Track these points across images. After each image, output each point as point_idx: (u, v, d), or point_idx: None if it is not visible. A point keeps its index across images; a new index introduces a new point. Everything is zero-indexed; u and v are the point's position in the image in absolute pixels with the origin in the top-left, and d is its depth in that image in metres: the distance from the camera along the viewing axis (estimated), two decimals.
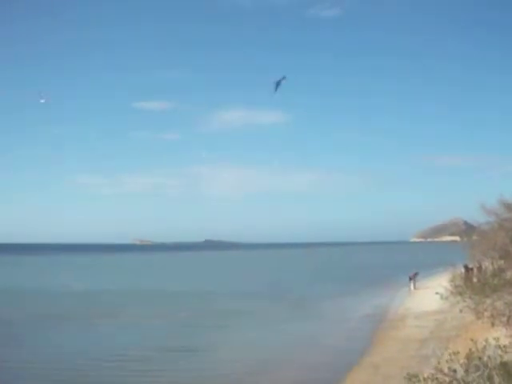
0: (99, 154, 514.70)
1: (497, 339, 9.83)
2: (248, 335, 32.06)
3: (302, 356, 25.88)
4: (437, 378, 9.08)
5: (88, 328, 35.03)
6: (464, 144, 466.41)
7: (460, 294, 21.54)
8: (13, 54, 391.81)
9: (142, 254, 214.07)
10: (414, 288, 51.79)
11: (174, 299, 48.88)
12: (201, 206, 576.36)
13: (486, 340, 9.83)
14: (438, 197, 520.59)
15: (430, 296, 31.45)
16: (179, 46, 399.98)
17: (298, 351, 27.02)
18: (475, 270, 32.60)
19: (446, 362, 9.23)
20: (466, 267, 34.99)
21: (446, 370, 9.06)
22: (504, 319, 19.73)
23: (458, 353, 9.27)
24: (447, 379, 8.95)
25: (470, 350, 9.27)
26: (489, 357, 9.07)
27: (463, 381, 8.80)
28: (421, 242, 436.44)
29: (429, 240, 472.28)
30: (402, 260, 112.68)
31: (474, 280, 23.25)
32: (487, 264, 30.06)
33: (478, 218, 36.72)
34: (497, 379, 8.66)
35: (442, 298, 22.79)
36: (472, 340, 9.67)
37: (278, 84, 27.72)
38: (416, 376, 9.37)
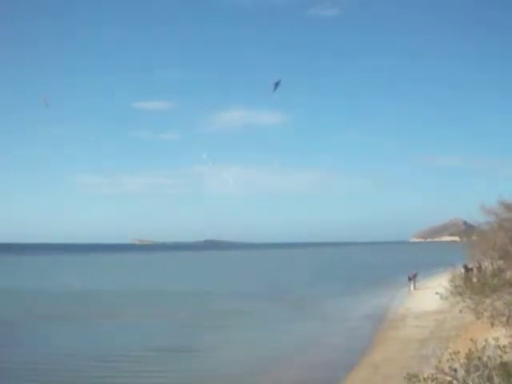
0: (99, 154, 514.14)
1: (496, 339, 9.85)
2: (248, 335, 32.07)
3: (302, 356, 25.89)
4: (436, 378, 9.11)
5: (88, 328, 35.04)
6: (464, 144, 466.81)
7: (460, 294, 21.58)
8: (13, 54, 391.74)
9: (141, 253, 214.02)
10: (414, 288, 51.81)
11: (173, 299, 48.90)
12: (201, 205, 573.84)
13: (486, 340, 9.86)
14: (438, 197, 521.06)
15: (430, 296, 31.50)
16: (179, 47, 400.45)
17: (298, 351, 27.02)
18: (475, 270, 32.63)
19: (447, 361, 9.26)
20: (466, 267, 35.03)
21: (446, 370, 9.09)
22: (504, 319, 19.76)
23: (459, 352, 9.30)
24: (448, 379, 8.98)
25: (469, 350, 9.30)
26: (488, 357, 9.09)
27: (463, 381, 8.82)
28: (420, 242, 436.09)
29: (428, 240, 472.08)
30: (401, 260, 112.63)
31: (474, 280, 23.26)
32: (487, 264, 30.14)
33: (477, 218, 36.80)
34: (496, 379, 8.68)
35: (441, 298, 22.84)
36: (472, 340, 9.69)
37: (276, 85, 27.87)
38: (416, 376, 9.40)
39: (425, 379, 9.22)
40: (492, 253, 30.98)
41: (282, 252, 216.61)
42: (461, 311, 21.81)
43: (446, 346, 19.37)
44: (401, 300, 45.29)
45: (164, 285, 63.24)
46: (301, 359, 25.16)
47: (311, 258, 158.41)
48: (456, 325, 27.21)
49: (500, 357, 9.10)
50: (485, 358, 9.05)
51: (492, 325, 19.94)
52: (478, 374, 8.80)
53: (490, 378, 8.75)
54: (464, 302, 21.20)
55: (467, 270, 34.01)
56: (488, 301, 20.16)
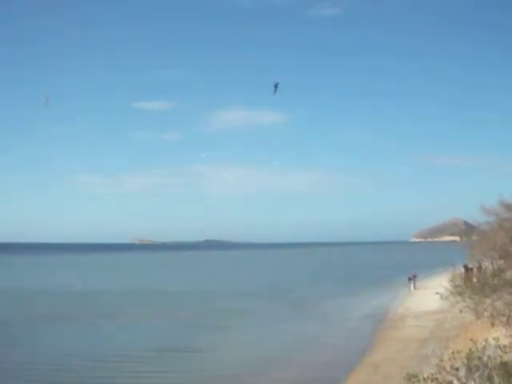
0: (99, 154, 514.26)
1: (496, 339, 9.85)
2: (248, 335, 32.07)
3: (302, 356, 25.87)
4: (436, 378, 9.09)
5: (88, 328, 35.01)
6: (464, 144, 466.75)
7: (460, 293, 21.58)
8: (13, 53, 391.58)
9: (141, 253, 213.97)
10: (414, 288, 51.84)
11: (173, 299, 48.89)
12: (201, 205, 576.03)
13: (486, 340, 9.85)
14: (438, 197, 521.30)
15: (430, 296, 31.52)
16: (179, 46, 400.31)
17: (299, 351, 26.99)
18: (475, 270, 32.64)
19: (449, 360, 9.24)
20: (466, 267, 35.03)
21: (448, 369, 9.07)
22: (504, 319, 19.75)
23: (461, 351, 9.29)
24: (449, 378, 8.96)
25: (469, 349, 9.28)
26: (489, 357, 9.08)
27: (465, 380, 8.81)
28: (421, 242, 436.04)
29: (429, 240, 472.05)
30: (401, 260, 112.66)
31: (474, 280, 23.31)
32: (487, 264, 30.15)
33: (477, 218, 36.77)
34: (497, 379, 8.67)
35: (441, 297, 22.85)
36: (472, 340, 9.69)
37: (275, 87, 27.92)
38: (416, 376, 9.39)
39: (424, 379, 9.22)
40: (492, 253, 30.96)
41: (282, 252, 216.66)
42: (461, 311, 21.81)
43: (446, 346, 19.39)
44: (401, 300, 45.28)
45: (164, 285, 63.24)
46: (301, 359, 25.15)
47: (311, 257, 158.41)
48: (456, 325, 27.19)
49: (500, 357, 9.10)
50: (485, 358, 9.04)
51: (492, 325, 19.93)
52: (478, 373, 8.79)
53: (490, 378, 8.74)
54: (464, 301, 21.20)
55: (467, 269, 34.02)
56: (488, 301, 20.16)
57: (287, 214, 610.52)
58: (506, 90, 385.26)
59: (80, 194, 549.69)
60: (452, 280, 23.32)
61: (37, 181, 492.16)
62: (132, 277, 79.33)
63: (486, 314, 20.27)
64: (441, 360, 9.40)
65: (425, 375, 9.33)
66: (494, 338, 9.91)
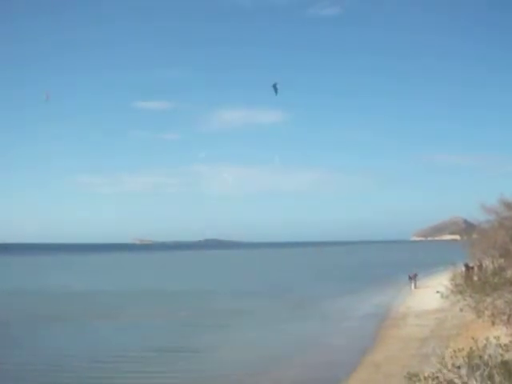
0: (99, 154, 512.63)
1: (497, 338, 9.82)
2: (248, 335, 32.02)
3: (302, 355, 25.83)
4: (437, 377, 9.07)
5: (87, 328, 34.96)
6: (464, 143, 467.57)
7: (460, 292, 21.53)
8: (13, 52, 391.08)
9: (142, 253, 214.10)
10: (415, 287, 51.87)
11: (174, 298, 48.90)
12: (201, 205, 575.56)
13: (487, 339, 9.82)
14: (438, 196, 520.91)
15: (431, 295, 31.52)
16: (179, 45, 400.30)
17: (299, 351, 26.96)
18: (475, 269, 32.58)
19: (451, 358, 9.22)
20: (467, 266, 34.97)
21: (449, 367, 9.06)
22: (504, 318, 19.73)
23: (463, 349, 9.26)
24: (450, 376, 8.94)
25: (470, 348, 9.26)
26: (489, 356, 9.05)
27: (466, 379, 8.79)
28: (421, 241, 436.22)
29: (429, 239, 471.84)
30: (402, 259, 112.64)
31: (475, 279, 23.23)
32: (487, 262, 30.05)
33: (478, 216, 36.77)
34: (497, 378, 8.65)
35: (442, 296, 22.80)
36: (473, 339, 9.66)
37: (275, 88, 27.94)
38: (416, 375, 9.37)
39: (425, 378, 9.19)
40: (492, 251, 30.95)
41: (283, 251, 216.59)
42: (461, 310, 21.77)
43: (447, 345, 19.33)
44: (402, 299, 45.28)
45: (164, 284, 63.24)
46: (302, 359, 25.12)
47: (312, 257, 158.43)
48: (457, 323, 27.17)
49: (501, 355, 9.07)
50: (486, 357, 9.01)
51: (493, 323, 19.91)
52: (479, 372, 8.77)
53: (491, 377, 8.71)
54: (465, 300, 21.16)
55: (468, 268, 33.95)
56: (489, 299, 20.12)
57: (287, 214, 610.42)
58: (507, 89, 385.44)
59: (80, 194, 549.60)
60: (452, 279, 23.25)
61: (37, 180, 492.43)
62: (132, 277, 79.34)
63: (486, 312, 20.24)
64: (442, 359, 9.38)
65: (426, 374, 9.31)
66: (495, 337, 9.88)
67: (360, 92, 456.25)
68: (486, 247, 32.71)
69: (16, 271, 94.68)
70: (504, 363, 8.83)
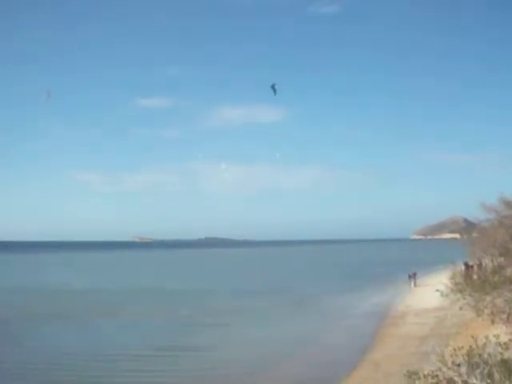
0: (99, 152, 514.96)
1: (497, 336, 9.82)
2: (249, 333, 32.04)
3: (302, 354, 25.83)
4: (437, 375, 9.08)
5: (87, 327, 34.95)
6: (464, 141, 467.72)
7: (460, 291, 21.54)
8: (13, 50, 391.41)
9: (141, 251, 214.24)
10: (415, 285, 51.94)
11: (174, 297, 48.89)
12: (201, 203, 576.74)
13: (486, 337, 9.82)
14: (438, 194, 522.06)
15: (430, 293, 31.49)
16: (179, 43, 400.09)
17: (299, 349, 26.94)
18: (475, 268, 32.60)
19: (451, 356, 9.23)
20: (466, 264, 34.97)
21: (449, 365, 9.07)
22: (504, 316, 19.75)
23: (462, 347, 9.28)
24: (450, 374, 8.95)
25: (470, 347, 9.27)
26: (489, 354, 9.06)
27: (466, 377, 8.80)
28: (421, 240, 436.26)
29: (429, 237, 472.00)
30: (402, 257, 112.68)
31: (474, 277, 23.25)
32: (487, 261, 30.07)
33: (477, 215, 36.70)
34: (497, 376, 8.66)
35: (442, 295, 22.80)
36: (472, 337, 9.67)
37: (273, 88, 27.95)
38: (416, 373, 9.38)
39: (425, 376, 9.20)
40: (492, 250, 30.91)
41: (282, 249, 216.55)
42: (461, 308, 21.77)
43: (447, 344, 19.34)
44: (401, 297, 45.29)
45: (164, 283, 63.22)
46: (302, 357, 25.11)
47: (312, 255, 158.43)
48: (456, 322, 27.19)
49: (501, 354, 9.07)
50: (485, 355, 9.02)
51: (492, 322, 19.93)
52: (478, 370, 8.78)
53: (490, 375, 8.72)
54: (464, 299, 21.17)
55: (467, 267, 33.96)
56: (488, 298, 20.13)
57: (288, 212, 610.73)
58: (507, 87, 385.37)
59: (80, 192, 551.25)
60: (452, 277, 23.25)
61: (37, 179, 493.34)
62: (132, 275, 79.34)
63: (486, 311, 20.26)
64: (441, 357, 9.39)
65: (425, 372, 9.33)
66: (495, 336, 9.88)
67: (360, 90, 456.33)
68: (486, 246, 32.65)
69: (16, 269, 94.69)
70: (503, 361, 8.84)
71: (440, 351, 9.72)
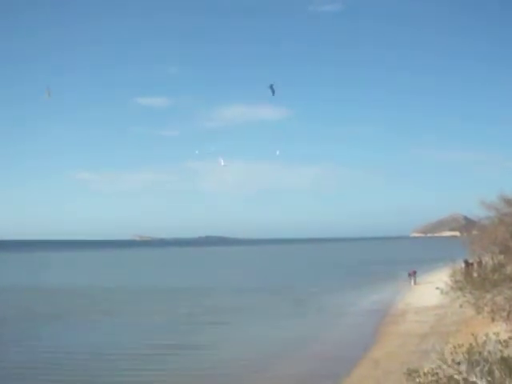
0: (99, 151, 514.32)
1: (497, 334, 9.79)
2: (249, 332, 32.04)
3: (303, 352, 25.81)
4: (437, 373, 9.07)
5: (87, 326, 34.85)
6: (464, 139, 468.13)
7: (460, 289, 21.51)
8: (12, 48, 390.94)
9: (141, 249, 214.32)
10: (415, 283, 51.96)
11: (173, 295, 48.91)
12: (200, 201, 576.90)
13: (487, 335, 9.80)
14: (438, 192, 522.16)
15: (431, 291, 31.47)
16: (179, 42, 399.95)
17: (300, 347, 26.93)
18: (475, 265, 32.55)
19: (451, 354, 9.21)
20: (466, 262, 34.99)
21: (449, 363, 9.05)
22: (504, 314, 19.74)
23: (462, 345, 9.26)
24: (450, 372, 8.94)
25: (470, 344, 9.25)
26: (489, 352, 9.04)
27: (466, 374, 8.78)
28: (421, 237, 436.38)
29: (429, 235, 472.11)
30: (402, 255, 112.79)
31: (474, 275, 23.19)
32: (487, 259, 30.04)
33: (478, 213, 36.70)
34: (497, 374, 8.64)
35: (442, 293, 22.77)
36: (472, 335, 9.63)
37: (272, 89, 28.01)
38: (416, 371, 9.36)
39: (425, 374, 9.18)
40: (492, 247, 30.90)
41: (283, 248, 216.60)
42: (461, 306, 21.76)
43: (447, 341, 19.33)
44: (401, 295, 45.31)
45: (164, 281, 63.31)
46: (302, 356, 25.08)
47: (312, 253, 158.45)
48: (456, 320, 27.20)
49: (501, 351, 9.05)
50: (485, 353, 9.00)
51: (492, 320, 19.92)
52: (478, 368, 8.76)
53: (490, 373, 8.71)
54: (464, 296, 21.15)
55: (468, 264, 33.96)
56: (488, 296, 20.12)
57: (288, 210, 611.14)
58: (508, 85, 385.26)
59: (79, 191, 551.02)
60: (452, 275, 23.21)
61: (36, 178, 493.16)
62: (131, 273, 79.37)
63: (486, 308, 20.25)
64: (441, 355, 9.37)
65: (425, 370, 9.31)
66: (495, 333, 9.86)
67: (361, 88, 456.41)
68: (486, 244, 32.65)
69: (15, 268, 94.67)
70: (503, 359, 8.82)
71: (440, 349, 9.71)
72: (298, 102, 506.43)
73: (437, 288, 23.05)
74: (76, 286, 59.19)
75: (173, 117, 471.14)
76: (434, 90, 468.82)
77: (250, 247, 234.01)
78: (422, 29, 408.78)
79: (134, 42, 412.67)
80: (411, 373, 9.39)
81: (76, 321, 36.50)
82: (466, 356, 8.97)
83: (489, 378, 8.67)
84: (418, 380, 9.26)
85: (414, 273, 53.88)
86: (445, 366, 9.04)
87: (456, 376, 8.91)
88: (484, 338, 9.60)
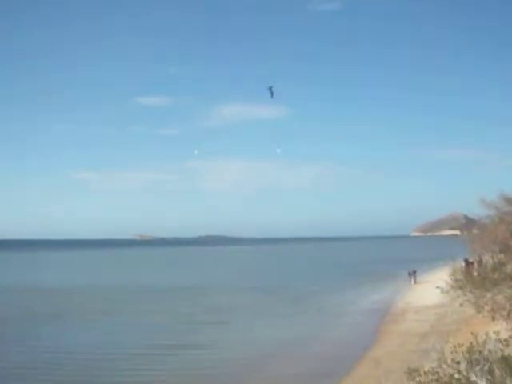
0: (99, 150, 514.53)
1: (497, 333, 9.78)
2: (249, 331, 32.00)
3: (302, 351, 25.80)
4: (437, 372, 9.05)
5: (87, 325, 34.78)
6: (464, 138, 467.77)
7: (460, 288, 21.51)
8: (13, 46, 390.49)
9: (142, 249, 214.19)
10: (415, 282, 51.97)
11: (174, 295, 48.90)
12: (201, 200, 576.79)
13: (487, 334, 9.79)
14: (438, 191, 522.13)
15: (431, 290, 31.48)
16: (179, 41, 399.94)
17: (299, 346, 26.92)
18: (475, 264, 32.52)
19: (451, 353, 9.21)
20: (467, 261, 34.94)
21: (449, 362, 9.04)
22: (504, 313, 19.72)
23: (463, 344, 9.25)
24: (450, 371, 8.92)
25: (470, 343, 9.24)
26: (489, 351, 9.03)
27: (466, 373, 8.77)
28: (421, 237, 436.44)
29: (429, 234, 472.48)
30: (402, 254, 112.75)
31: (475, 274, 23.18)
32: (487, 258, 30.03)
33: (478, 211, 36.67)
34: (498, 373, 8.63)
35: (442, 292, 22.76)
36: (472, 334, 9.62)
37: (270, 90, 28.10)
38: (416, 370, 9.35)
39: (425, 373, 9.18)
40: (493, 246, 30.87)
41: (283, 247, 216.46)
42: (461, 305, 21.75)
43: (447, 340, 19.32)
44: (401, 294, 45.28)
45: (164, 280, 63.27)
46: (301, 355, 25.06)
47: (312, 252, 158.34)
48: (456, 319, 27.18)
49: (501, 350, 9.04)
50: (486, 352, 8.99)
51: (493, 318, 19.90)
52: (479, 367, 8.75)
53: (490, 372, 8.69)
54: (465, 295, 21.14)
55: (468, 263, 33.92)
56: (489, 295, 20.11)
57: (288, 209, 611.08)
58: (508, 84, 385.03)
59: (80, 191, 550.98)
60: (452, 274, 23.21)
61: (36, 177, 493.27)
62: (132, 273, 79.31)
63: (486, 307, 20.23)
64: (442, 354, 9.37)
65: (425, 369, 9.30)
66: (495, 332, 9.85)
67: (361, 86, 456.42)
68: (486, 242, 32.61)
69: (15, 268, 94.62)
70: (504, 358, 8.81)
71: (440, 348, 9.70)
72: (297, 101, 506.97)
73: (437, 287, 23.05)
74: (76, 285, 59.13)
75: (173, 116, 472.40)
76: (433, 89, 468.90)
77: (250, 246, 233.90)
78: (420, 27, 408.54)
79: (134, 42, 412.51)
80: (412, 372, 9.39)
81: (76, 320, 36.46)
82: (467, 355, 8.95)
83: (489, 377, 8.66)
84: (418, 379, 9.25)
85: (414, 272, 53.95)
86: (445, 366, 9.03)
87: (456, 375, 8.90)
88: (484, 336, 9.59)
